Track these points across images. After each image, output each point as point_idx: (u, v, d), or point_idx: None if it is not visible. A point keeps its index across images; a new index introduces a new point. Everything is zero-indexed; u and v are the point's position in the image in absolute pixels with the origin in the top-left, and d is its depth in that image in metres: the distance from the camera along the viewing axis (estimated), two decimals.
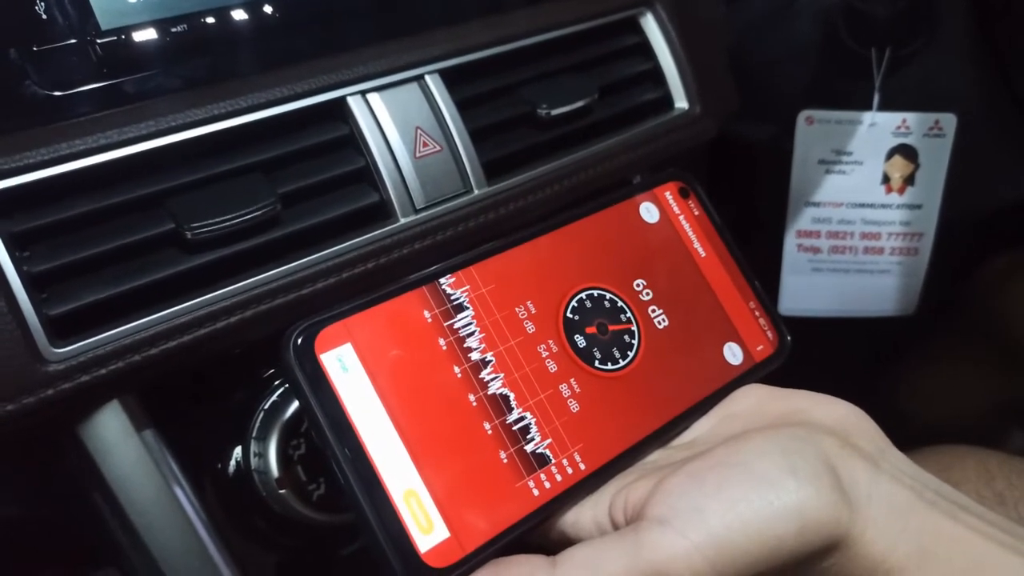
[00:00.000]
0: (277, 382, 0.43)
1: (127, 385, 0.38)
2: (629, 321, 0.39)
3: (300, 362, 0.32)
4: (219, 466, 0.44)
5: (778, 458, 0.31)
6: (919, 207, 0.66)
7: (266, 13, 0.43)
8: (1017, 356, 0.77)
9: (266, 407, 0.43)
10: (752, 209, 0.72)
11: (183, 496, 0.40)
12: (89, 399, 0.37)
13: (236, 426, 0.43)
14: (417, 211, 0.44)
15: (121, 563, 0.41)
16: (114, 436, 0.38)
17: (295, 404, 0.42)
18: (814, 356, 0.56)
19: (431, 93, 0.45)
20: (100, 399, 0.38)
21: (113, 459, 0.38)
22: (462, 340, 0.35)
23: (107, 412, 0.38)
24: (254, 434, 0.42)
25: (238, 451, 0.43)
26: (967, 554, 0.31)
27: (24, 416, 0.35)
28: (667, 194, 0.44)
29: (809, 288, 0.70)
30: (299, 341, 0.32)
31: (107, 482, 0.38)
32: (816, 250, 0.69)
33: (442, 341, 0.35)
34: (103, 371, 0.36)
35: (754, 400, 0.38)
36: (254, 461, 0.42)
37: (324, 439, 0.31)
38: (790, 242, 0.69)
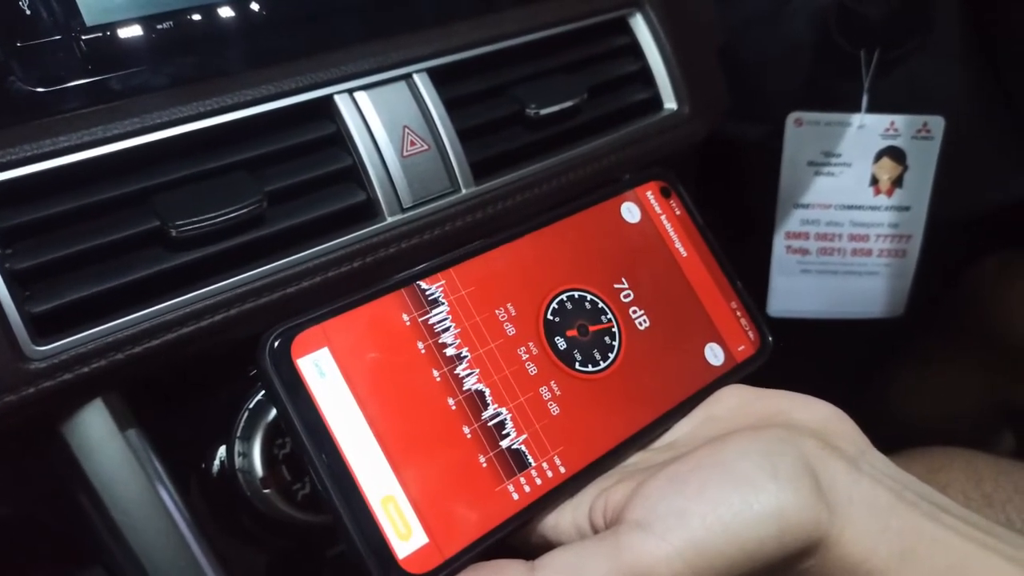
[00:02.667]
0: (260, 383, 0.43)
1: (111, 383, 0.38)
2: (610, 322, 0.39)
3: (276, 367, 0.32)
4: (203, 465, 0.43)
5: (758, 460, 0.31)
6: (907, 209, 0.66)
7: (253, 10, 0.43)
8: (1005, 358, 0.77)
9: (251, 406, 0.43)
10: (741, 210, 0.72)
11: (167, 496, 0.40)
12: (72, 397, 0.37)
13: (221, 425, 0.43)
14: (404, 210, 0.44)
15: (107, 563, 0.41)
16: (98, 435, 0.38)
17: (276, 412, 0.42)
18: (803, 358, 0.56)
19: (419, 92, 0.45)
20: (83, 398, 0.38)
21: (97, 458, 0.38)
22: (441, 343, 0.35)
23: (90, 411, 0.38)
24: (238, 433, 0.42)
25: (222, 450, 0.43)
26: (948, 555, 0.31)
27: (6, 415, 0.35)
28: (648, 194, 0.44)
29: (798, 290, 0.70)
30: (275, 345, 0.32)
31: (91, 482, 0.38)
32: (805, 252, 0.69)
33: (421, 345, 0.35)
34: (86, 369, 0.36)
35: (735, 401, 0.38)
36: (238, 460, 0.42)
37: (301, 445, 0.31)
38: (779, 243, 0.69)
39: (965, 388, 0.82)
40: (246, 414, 0.42)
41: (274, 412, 0.42)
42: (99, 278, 0.37)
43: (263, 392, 0.43)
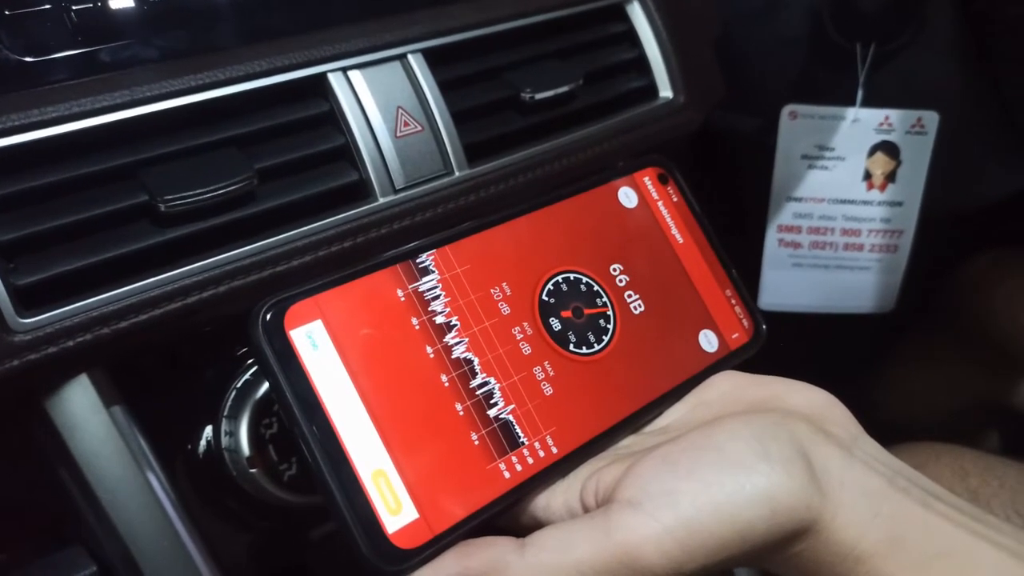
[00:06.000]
0: (250, 360, 0.43)
1: (96, 359, 0.38)
2: (605, 305, 0.39)
3: (269, 338, 0.31)
4: (189, 445, 0.43)
5: (751, 442, 0.31)
6: (900, 204, 0.66)
7: None
8: (992, 355, 0.77)
9: (238, 385, 0.42)
10: (734, 203, 0.72)
11: (152, 474, 0.39)
12: (57, 372, 0.37)
13: (207, 404, 0.42)
14: (396, 191, 0.44)
15: (88, 542, 0.40)
16: (82, 411, 0.38)
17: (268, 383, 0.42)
18: (792, 351, 0.56)
19: (414, 73, 0.45)
20: (68, 372, 0.37)
21: (81, 435, 0.38)
22: (435, 320, 0.35)
23: (75, 386, 0.38)
24: (225, 412, 0.42)
25: (209, 430, 0.43)
26: (938, 541, 0.31)
27: None
28: (646, 179, 0.44)
29: (789, 283, 0.70)
30: (268, 317, 0.31)
31: (74, 458, 0.38)
32: (797, 245, 0.69)
33: (415, 320, 0.34)
34: (71, 343, 0.35)
35: (728, 386, 0.38)
36: (225, 440, 0.42)
37: (292, 417, 0.31)
38: (771, 237, 0.69)
39: (953, 384, 0.83)
40: (233, 393, 0.42)
41: (261, 392, 0.42)
42: (86, 252, 0.36)
43: (251, 371, 0.42)
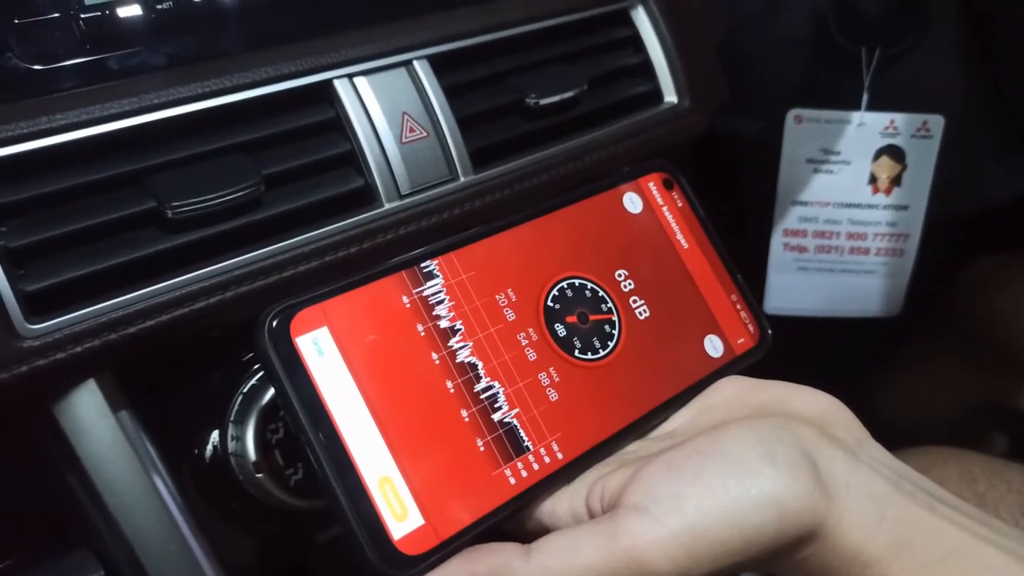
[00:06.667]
0: (256, 365, 0.43)
1: (104, 364, 0.38)
2: (610, 311, 0.39)
3: (275, 345, 0.31)
4: (196, 450, 0.43)
5: (756, 447, 0.31)
6: (905, 208, 0.67)
7: None
8: (998, 358, 0.77)
9: (245, 390, 0.42)
10: (739, 207, 0.72)
11: (159, 479, 0.39)
12: (65, 377, 0.37)
13: (214, 409, 0.43)
14: (402, 196, 0.44)
15: (95, 546, 0.40)
16: (90, 416, 0.38)
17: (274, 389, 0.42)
18: (798, 356, 0.56)
19: (419, 79, 0.45)
20: (76, 378, 0.37)
21: (88, 439, 0.38)
22: (440, 326, 0.35)
23: (83, 391, 0.38)
24: (232, 417, 0.42)
25: (215, 434, 0.43)
26: (943, 545, 0.31)
27: None
28: (651, 185, 0.44)
29: (795, 287, 0.70)
30: (274, 323, 0.32)
31: (81, 462, 0.38)
32: (802, 249, 0.69)
33: (420, 327, 0.34)
34: (79, 349, 0.36)
35: (733, 391, 0.38)
36: (231, 445, 0.42)
37: (298, 424, 0.31)
38: (776, 241, 0.69)
39: (957, 387, 0.82)
40: (240, 398, 0.42)
41: (268, 397, 0.42)
42: (94, 258, 0.36)
43: (258, 376, 0.42)
